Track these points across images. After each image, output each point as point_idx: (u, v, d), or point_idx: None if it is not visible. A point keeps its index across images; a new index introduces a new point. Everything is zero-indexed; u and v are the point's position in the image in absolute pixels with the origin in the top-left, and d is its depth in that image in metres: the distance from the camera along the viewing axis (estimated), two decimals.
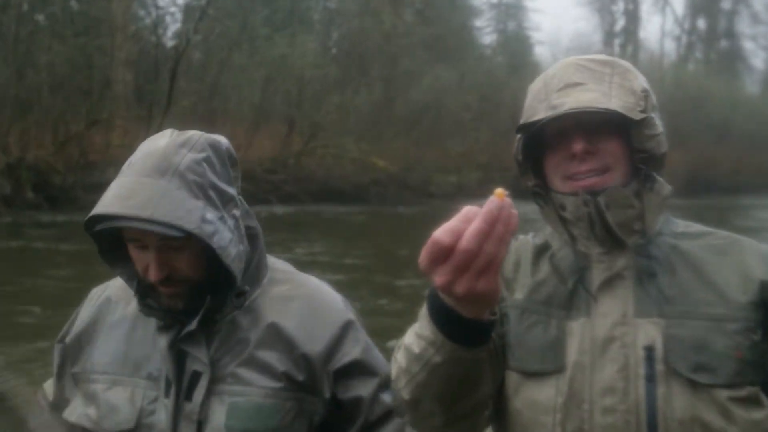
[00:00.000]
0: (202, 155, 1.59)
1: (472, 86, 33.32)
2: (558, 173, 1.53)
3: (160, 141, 1.60)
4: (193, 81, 27.25)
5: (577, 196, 1.48)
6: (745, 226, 22.04)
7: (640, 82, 1.52)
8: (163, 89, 25.50)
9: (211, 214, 1.55)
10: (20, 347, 7.65)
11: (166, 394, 1.62)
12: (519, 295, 1.56)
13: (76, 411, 1.70)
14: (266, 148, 27.44)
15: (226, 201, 1.61)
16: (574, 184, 1.49)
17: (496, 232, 1.10)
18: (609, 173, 1.49)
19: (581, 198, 1.47)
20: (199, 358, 1.62)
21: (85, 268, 12.82)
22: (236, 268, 1.60)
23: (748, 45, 66.38)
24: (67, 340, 1.78)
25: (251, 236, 1.69)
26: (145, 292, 1.63)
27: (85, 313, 1.79)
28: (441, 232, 1.13)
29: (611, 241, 1.50)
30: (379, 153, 28.76)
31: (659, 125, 1.51)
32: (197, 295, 1.61)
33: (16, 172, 21.37)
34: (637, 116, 1.47)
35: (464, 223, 1.13)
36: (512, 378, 1.53)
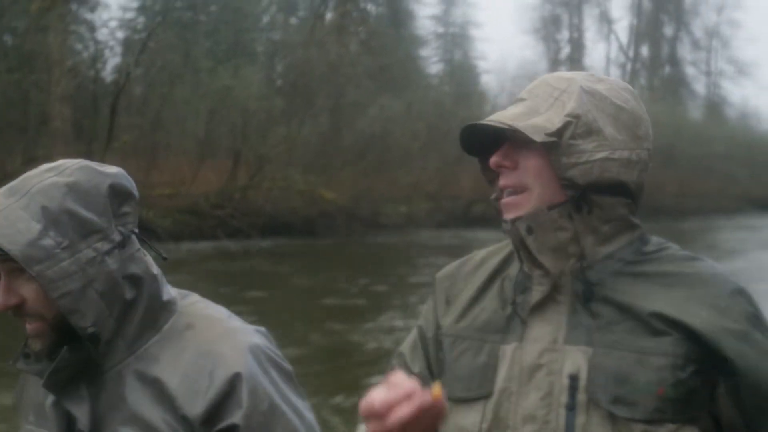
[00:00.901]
0: (67, 180, 1.51)
1: (419, 116, 33.35)
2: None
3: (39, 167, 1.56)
4: (135, 115, 26.75)
5: (506, 221, 1.49)
6: (691, 249, 22.22)
7: (576, 105, 1.46)
8: (104, 124, 25.03)
9: (49, 241, 1.45)
10: None
11: None
12: (455, 321, 1.58)
13: None
14: (212, 182, 27.02)
15: (86, 232, 1.49)
16: (501, 200, 1.51)
17: (422, 420, 1.28)
18: (526, 193, 1.47)
19: (508, 224, 1.48)
20: (80, 420, 1.51)
21: None
22: (72, 306, 1.45)
23: (690, 70, 67.82)
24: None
25: (135, 279, 1.54)
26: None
27: None
28: (377, 400, 1.27)
29: (540, 266, 1.48)
30: (327, 184, 28.53)
31: (594, 154, 1.44)
32: (63, 340, 1.49)
33: None
34: (538, 138, 1.42)
35: (400, 397, 1.27)
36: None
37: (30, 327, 1.51)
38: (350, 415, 7.21)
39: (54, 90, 24.20)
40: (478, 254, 1.69)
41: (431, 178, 32.73)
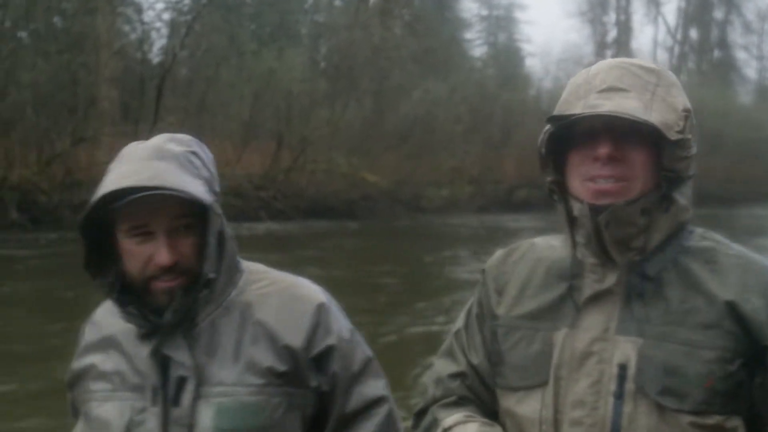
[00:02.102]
0: (190, 149, 1.68)
1: (463, 99, 33.17)
2: (578, 173, 1.51)
3: (147, 141, 1.68)
4: (180, 97, 27.00)
5: (583, 204, 1.48)
6: (737, 235, 21.84)
7: (683, 99, 1.49)
8: (149, 106, 25.28)
9: (212, 196, 1.64)
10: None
11: (153, 403, 1.63)
12: (507, 311, 1.61)
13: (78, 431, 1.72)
14: (255, 164, 27.22)
15: (215, 190, 1.69)
16: (592, 186, 1.49)
17: None
18: (628, 182, 1.47)
19: (586, 207, 1.48)
20: (182, 363, 1.63)
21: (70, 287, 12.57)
22: (209, 255, 1.63)
23: (740, 55, 66.49)
24: (71, 371, 1.79)
25: (224, 236, 1.69)
26: (126, 299, 1.64)
27: (81, 341, 1.81)
28: None
29: (605, 256, 1.49)
30: (370, 168, 28.57)
31: (694, 147, 1.48)
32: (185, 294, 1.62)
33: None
34: (674, 136, 1.44)
35: None
36: (501, 395, 1.59)
37: (170, 284, 1.62)
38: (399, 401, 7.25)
39: (102, 72, 24.51)
40: (523, 244, 1.71)
41: (474, 162, 32.59)
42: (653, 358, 1.43)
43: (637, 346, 1.44)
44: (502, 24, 55.30)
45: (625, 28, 59.74)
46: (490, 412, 1.65)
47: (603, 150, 1.47)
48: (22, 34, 23.59)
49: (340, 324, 1.76)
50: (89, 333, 1.79)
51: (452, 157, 32.03)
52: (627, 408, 1.42)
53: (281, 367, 1.66)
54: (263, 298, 1.73)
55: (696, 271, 1.49)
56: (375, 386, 1.77)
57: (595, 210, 1.47)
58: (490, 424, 1.60)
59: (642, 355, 1.43)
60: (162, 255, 1.59)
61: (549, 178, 1.57)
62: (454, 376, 1.69)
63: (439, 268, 16.42)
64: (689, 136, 1.47)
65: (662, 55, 62.57)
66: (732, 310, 1.42)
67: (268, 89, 28.12)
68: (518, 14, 74.82)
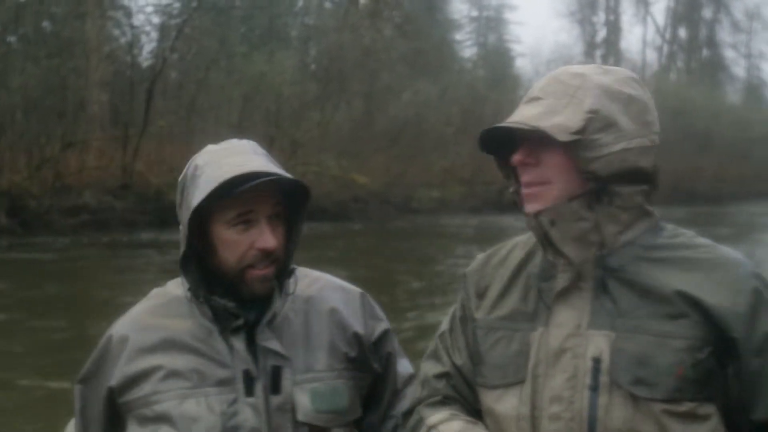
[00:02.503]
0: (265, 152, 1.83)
1: (453, 100, 33.25)
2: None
3: (229, 141, 1.81)
4: (170, 100, 26.98)
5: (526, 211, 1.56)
6: (726, 234, 21.97)
7: (593, 101, 1.52)
8: (140, 110, 25.24)
9: None
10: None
11: (248, 393, 1.70)
12: (487, 313, 1.67)
13: None
14: None
15: None
16: (522, 191, 1.59)
17: None
18: (548, 185, 1.54)
19: (529, 216, 1.56)
20: (275, 352, 1.72)
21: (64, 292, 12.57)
22: (291, 246, 1.80)
23: (729, 53, 66.66)
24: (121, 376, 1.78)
25: None
26: (210, 294, 1.72)
27: (124, 348, 1.79)
28: None
29: (562, 255, 1.55)
30: (360, 169, 28.59)
31: (613, 146, 1.51)
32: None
33: None
34: (564, 138, 1.49)
35: None
36: (482, 394, 1.64)
37: (265, 271, 1.72)
38: None
39: (91, 76, 24.50)
40: (504, 247, 1.77)
41: (465, 163, 32.63)
42: (625, 350, 1.48)
43: (610, 340, 1.49)
44: (492, 25, 55.47)
45: (614, 28, 59.96)
46: (474, 410, 1.69)
47: (516, 158, 1.57)
48: (12, 38, 23.53)
49: (380, 309, 1.96)
50: (138, 337, 1.79)
51: (443, 159, 32.08)
52: (602, 400, 1.47)
53: (352, 353, 1.82)
54: (320, 292, 1.87)
55: (664, 266, 1.54)
56: (407, 364, 1.98)
57: (536, 215, 1.56)
58: (473, 422, 1.65)
59: (615, 347, 1.48)
60: (267, 239, 1.70)
61: (511, 189, 1.66)
62: (439, 376, 1.74)
63: (429, 267, 16.47)
64: (597, 137, 1.51)
65: (651, 55, 62.90)
66: (699, 302, 1.47)
67: (259, 92, 28.11)
68: (508, 15, 74.86)
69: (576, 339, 1.53)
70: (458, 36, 52.15)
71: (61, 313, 11.33)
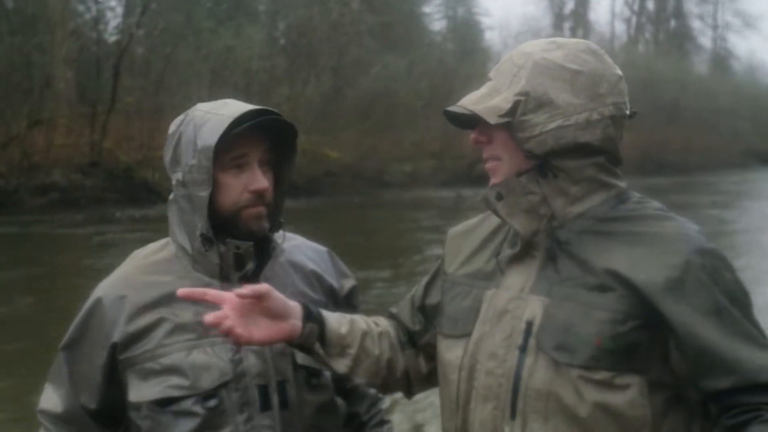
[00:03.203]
0: None
1: (422, 74, 33.18)
2: None
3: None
4: (138, 77, 26.65)
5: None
6: (692, 202, 22.28)
7: (525, 83, 1.60)
8: (107, 86, 24.95)
9: None
10: None
11: None
12: (455, 269, 1.80)
13: (153, 388, 1.77)
14: None
15: None
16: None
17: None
18: (499, 162, 1.65)
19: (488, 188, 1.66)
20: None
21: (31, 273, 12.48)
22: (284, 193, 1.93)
23: (696, 24, 67.13)
24: (124, 333, 1.81)
25: None
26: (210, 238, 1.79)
27: (113, 311, 1.83)
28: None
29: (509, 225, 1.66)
30: (331, 144, 28.54)
31: (547, 125, 1.58)
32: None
33: None
34: (493, 120, 1.59)
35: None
36: (438, 341, 1.77)
37: (259, 209, 1.82)
38: None
39: (57, 52, 24.14)
40: (484, 215, 1.86)
41: (435, 137, 32.68)
42: (554, 317, 1.56)
43: (544, 305, 1.58)
44: None
45: (582, 1, 60.06)
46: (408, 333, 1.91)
47: (472, 136, 1.69)
48: None
49: (345, 266, 2.11)
50: (137, 294, 1.84)
51: (413, 133, 32.10)
52: (528, 361, 1.56)
53: (330, 306, 1.92)
54: (296, 248, 2.00)
55: (607, 239, 1.59)
56: None
57: (491, 188, 1.66)
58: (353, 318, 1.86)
59: (547, 313, 1.57)
60: (259, 180, 1.80)
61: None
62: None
63: (400, 240, 16.55)
64: (527, 117, 1.58)
65: (620, 27, 63.12)
66: (626, 279, 1.52)
67: (227, 67, 27.90)
68: None
69: (517, 302, 1.62)
70: (427, 9, 51.94)
71: (29, 292, 11.30)
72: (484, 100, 1.63)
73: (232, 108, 1.80)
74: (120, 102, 24.58)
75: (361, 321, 1.86)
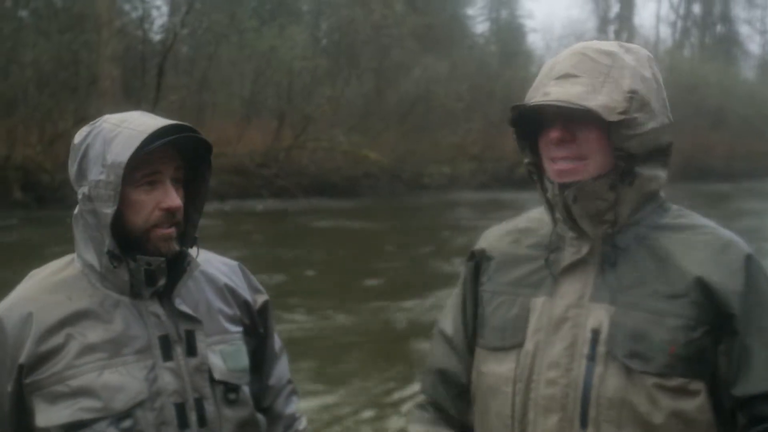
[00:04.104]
0: None
1: (464, 76, 33.06)
2: (545, 155, 1.65)
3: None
4: (182, 75, 26.99)
5: (553, 184, 1.62)
6: (738, 210, 21.91)
7: (631, 81, 1.58)
8: (151, 84, 25.27)
9: None
10: None
11: (166, 358, 1.75)
12: (493, 278, 1.75)
13: (62, 411, 1.68)
14: (257, 142, 27.23)
15: None
16: (554, 166, 1.63)
17: None
18: (583, 162, 1.59)
19: (556, 187, 1.62)
20: (188, 316, 1.80)
21: None
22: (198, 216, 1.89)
23: (743, 29, 66.07)
24: (32, 355, 1.72)
25: None
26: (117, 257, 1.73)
27: (17, 332, 1.73)
28: None
29: (579, 229, 1.63)
30: (371, 145, 28.55)
31: (647, 125, 1.58)
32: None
33: (3, 172, 21.14)
34: (614, 117, 1.55)
35: None
36: (480, 354, 1.73)
37: (169, 231, 1.76)
38: (391, 383, 7.30)
39: (103, 51, 24.46)
40: (515, 219, 1.86)
41: (475, 139, 32.54)
42: (623, 325, 1.55)
43: (609, 313, 1.57)
44: (504, 0, 54.97)
45: (627, 4, 59.29)
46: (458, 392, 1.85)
47: (553, 134, 1.61)
48: (23, 13, 23.57)
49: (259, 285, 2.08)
50: (43, 314, 1.74)
51: (453, 135, 31.98)
52: (598, 369, 1.55)
53: (245, 319, 1.95)
54: (207, 263, 1.95)
55: (667, 246, 1.61)
56: (277, 338, 2.12)
57: (562, 188, 1.61)
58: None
59: (613, 321, 1.56)
60: (172, 198, 1.75)
61: (526, 160, 1.71)
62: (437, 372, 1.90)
63: (438, 244, 16.52)
64: (636, 116, 1.57)
65: (665, 31, 62.31)
66: (699, 282, 1.54)
67: (269, 67, 28.06)
68: None
69: (577, 310, 1.60)
70: (470, 11, 51.71)
71: None
72: (589, 97, 1.57)
73: (144, 122, 1.73)
74: (164, 100, 24.86)
75: None
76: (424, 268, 13.56)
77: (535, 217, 1.81)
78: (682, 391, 1.53)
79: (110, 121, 1.76)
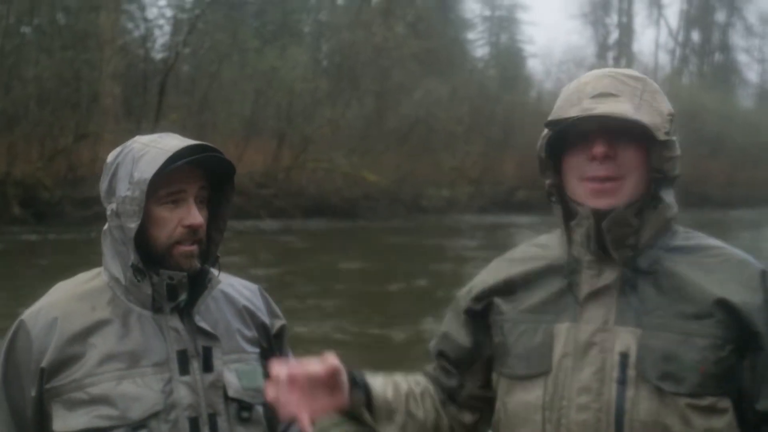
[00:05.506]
0: None
1: (464, 99, 33.22)
2: (575, 174, 1.62)
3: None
4: (182, 94, 27.10)
5: (584, 206, 1.60)
6: (736, 239, 21.91)
7: (667, 105, 1.62)
8: (152, 103, 25.38)
9: None
10: None
11: (183, 372, 1.79)
12: (512, 307, 1.73)
13: (80, 418, 1.73)
14: (256, 162, 27.28)
15: None
16: (589, 185, 1.60)
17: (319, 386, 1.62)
18: (621, 181, 1.59)
19: (587, 210, 1.60)
20: (207, 332, 1.84)
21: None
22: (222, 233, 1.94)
23: (742, 58, 66.49)
24: (53, 360, 1.77)
25: None
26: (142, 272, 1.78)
27: (42, 337, 1.78)
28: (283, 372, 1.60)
29: (603, 253, 1.62)
30: (370, 167, 28.63)
31: (677, 149, 1.61)
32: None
33: (2, 187, 21.15)
34: (662, 137, 1.57)
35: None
36: (504, 383, 1.71)
37: (191, 248, 1.80)
38: None
39: (105, 68, 24.59)
40: (523, 246, 1.84)
41: (474, 162, 32.66)
42: (652, 347, 1.55)
43: (637, 336, 1.57)
44: (504, 25, 55.35)
45: (626, 31, 59.80)
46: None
47: (599, 149, 1.58)
48: (26, 29, 23.70)
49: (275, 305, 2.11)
50: (68, 322, 1.79)
51: (453, 158, 32.10)
52: (630, 393, 1.55)
53: (263, 343, 1.98)
54: (229, 285, 2.00)
55: (684, 267, 1.61)
56: None
57: (597, 213, 1.59)
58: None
59: (641, 344, 1.56)
60: (194, 215, 1.79)
61: (548, 181, 1.69)
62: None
63: (436, 266, 16.51)
64: (674, 138, 1.61)
65: (663, 58, 62.69)
66: (722, 302, 1.55)
67: (270, 87, 28.19)
68: (521, 15, 74.66)
69: (604, 334, 1.60)
70: (470, 35, 52.15)
71: None
72: (637, 113, 1.57)
73: (171, 142, 1.79)
74: (165, 119, 24.92)
75: (403, 382, 1.83)
76: (416, 288, 13.54)
77: (541, 242, 1.80)
78: (712, 410, 1.53)
79: (141, 141, 1.82)
